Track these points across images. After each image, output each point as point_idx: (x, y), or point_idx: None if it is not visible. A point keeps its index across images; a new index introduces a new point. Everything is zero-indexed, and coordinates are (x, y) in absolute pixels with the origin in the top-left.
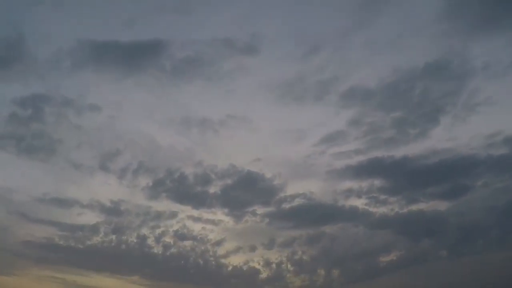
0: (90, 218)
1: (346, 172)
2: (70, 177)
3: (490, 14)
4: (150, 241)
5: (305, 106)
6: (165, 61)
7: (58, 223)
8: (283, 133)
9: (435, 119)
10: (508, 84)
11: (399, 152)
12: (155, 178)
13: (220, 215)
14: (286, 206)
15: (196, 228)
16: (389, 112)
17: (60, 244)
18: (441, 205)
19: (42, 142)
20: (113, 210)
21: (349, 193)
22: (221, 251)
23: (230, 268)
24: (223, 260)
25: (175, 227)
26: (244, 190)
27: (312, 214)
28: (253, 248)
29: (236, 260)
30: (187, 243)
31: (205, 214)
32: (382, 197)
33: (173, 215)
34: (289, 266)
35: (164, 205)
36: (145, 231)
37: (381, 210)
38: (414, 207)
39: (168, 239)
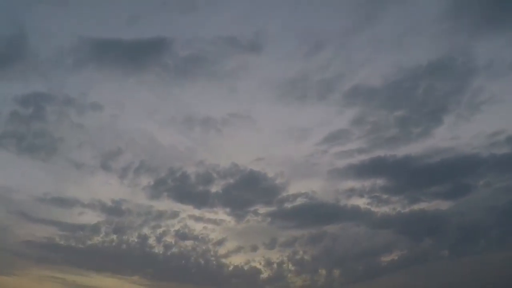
0: (91, 217)
1: (349, 171)
2: (71, 177)
3: (493, 13)
4: (151, 241)
5: (308, 105)
6: (168, 59)
7: (58, 222)
8: (285, 132)
9: (438, 118)
10: None
11: (402, 151)
12: (157, 178)
13: (221, 214)
14: (288, 205)
15: (198, 227)
16: (392, 110)
17: (61, 244)
18: (443, 205)
19: (43, 141)
20: (114, 209)
21: (351, 192)
22: (222, 251)
23: (231, 268)
24: (224, 260)
25: (177, 227)
26: (246, 190)
27: (314, 213)
28: (254, 248)
29: (237, 260)
30: (188, 242)
31: (207, 213)
32: (384, 196)
33: (175, 214)
34: (290, 266)
35: (165, 204)
36: (146, 230)
37: (383, 209)
38: (416, 207)
39: (169, 239)
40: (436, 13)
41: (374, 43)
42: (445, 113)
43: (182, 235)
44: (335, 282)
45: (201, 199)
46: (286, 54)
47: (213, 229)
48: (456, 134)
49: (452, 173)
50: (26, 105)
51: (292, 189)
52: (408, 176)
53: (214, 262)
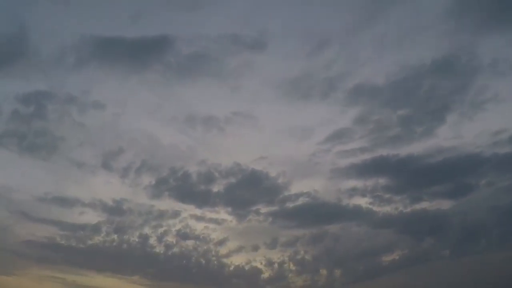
0: (92, 217)
1: (351, 170)
2: (72, 176)
3: (497, 12)
4: (152, 240)
5: (311, 104)
6: (170, 57)
7: (59, 222)
8: (288, 131)
9: (442, 117)
10: None
11: (405, 150)
12: (158, 177)
13: (223, 214)
14: (290, 205)
15: (199, 227)
16: (395, 109)
17: (61, 244)
18: (445, 204)
19: (44, 140)
20: (115, 209)
21: (353, 192)
22: (223, 250)
23: (232, 268)
24: (225, 260)
25: (178, 227)
26: (248, 189)
27: (316, 213)
28: (255, 248)
29: (238, 260)
30: (190, 242)
31: (208, 213)
32: (387, 196)
33: (176, 214)
34: (291, 265)
35: (166, 204)
36: (147, 230)
37: (385, 209)
38: (418, 206)
39: (170, 239)
40: (440, 12)
41: (378, 41)
42: (448, 112)
43: (183, 235)
44: (336, 282)
45: (202, 199)
46: (289, 52)
47: (215, 228)
48: (459, 133)
49: (454, 172)
50: (27, 103)
51: (294, 189)
52: (411, 175)
53: (215, 262)
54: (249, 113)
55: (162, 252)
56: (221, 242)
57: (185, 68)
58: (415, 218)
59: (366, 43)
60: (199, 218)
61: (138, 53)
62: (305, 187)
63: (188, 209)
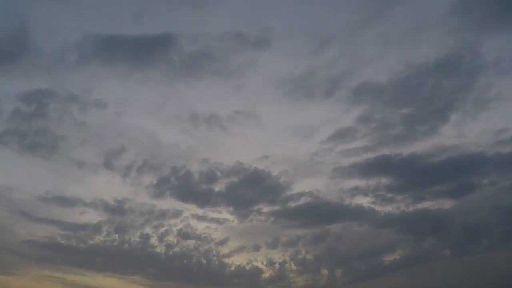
0: (92, 217)
1: (353, 170)
2: (73, 175)
3: (501, 10)
4: (153, 240)
5: (314, 103)
6: (173, 56)
7: (60, 222)
8: (291, 129)
9: (445, 116)
10: None
11: (407, 149)
12: (160, 176)
13: (225, 213)
14: (292, 204)
15: (200, 227)
16: (398, 108)
17: (62, 244)
18: (446, 204)
19: (45, 139)
20: (116, 208)
21: (355, 191)
22: (224, 250)
23: (233, 267)
24: (226, 260)
25: (179, 226)
26: (249, 188)
27: (318, 212)
28: (257, 248)
29: (239, 260)
30: (191, 242)
31: (210, 212)
32: (389, 195)
33: (177, 213)
34: (292, 265)
35: (168, 203)
36: (148, 230)
37: (387, 208)
38: (420, 206)
39: (171, 238)
40: (444, 10)
41: (381, 40)
42: (452, 110)
43: (184, 235)
44: (337, 282)
45: (204, 198)
46: (292, 51)
47: (216, 228)
48: (462, 132)
49: (456, 171)
50: (28, 102)
51: (296, 188)
52: (413, 174)
53: (216, 261)
54: (251, 111)
55: (163, 252)
56: (222, 242)
57: (188, 66)
58: (416, 218)
59: (369, 41)
60: (201, 218)
61: (140, 51)
62: (307, 186)
63: (190, 209)
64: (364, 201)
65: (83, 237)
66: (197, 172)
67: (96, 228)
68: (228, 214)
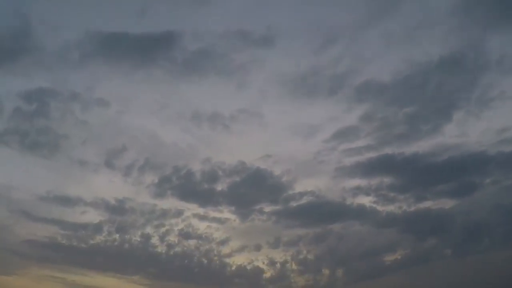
0: (93, 216)
1: (356, 169)
2: (74, 175)
3: (505, 8)
4: (154, 240)
5: (317, 101)
6: (176, 54)
7: (60, 221)
8: (294, 128)
9: (448, 115)
10: None
11: (410, 148)
12: (161, 175)
13: (226, 213)
14: (294, 204)
15: (202, 226)
16: (402, 107)
17: (63, 243)
18: (448, 203)
19: (47, 138)
20: (117, 208)
21: (357, 190)
22: (225, 250)
23: (234, 267)
24: (227, 260)
25: (180, 226)
26: (251, 188)
27: (319, 212)
28: (258, 247)
29: (240, 259)
30: (192, 242)
31: (211, 212)
32: (391, 194)
33: (179, 213)
34: (293, 265)
35: (169, 203)
36: (149, 230)
37: (389, 208)
38: (422, 205)
39: (172, 238)
40: (448, 8)
41: (384, 38)
42: (455, 109)
43: (185, 234)
44: (338, 282)
45: (205, 198)
46: (296, 49)
47: (217, 228)
48: (465, 131)
49: (459, 171)
50: (29, 101)
51: (299, 187)
52: (415, 174)
53: (217, 261)
54: (254, 110)
55: (164, 251)
56: (223, 242)
57: (191, 64)
58: (418, 218)
59: (373, 40)
60: (202, 217)
61: (143, 49)
62: (310, 185)
63: (191, 208)
64: (366, 200)
65: (84, 237)
66: (199, 171)
67: (97, 228)
68: (229, 213)
